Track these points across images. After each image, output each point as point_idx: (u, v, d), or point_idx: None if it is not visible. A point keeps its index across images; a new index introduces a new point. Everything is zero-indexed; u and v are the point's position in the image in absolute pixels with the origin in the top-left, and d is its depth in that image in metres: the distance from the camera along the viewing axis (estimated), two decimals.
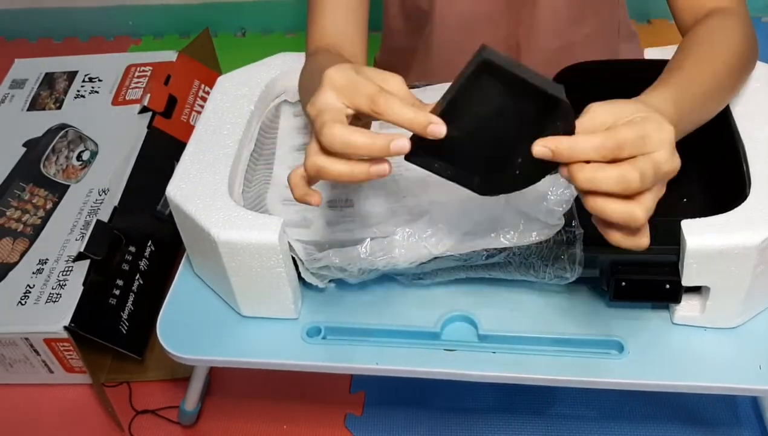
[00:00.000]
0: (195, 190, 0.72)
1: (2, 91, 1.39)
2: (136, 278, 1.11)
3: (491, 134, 0.52)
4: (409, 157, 0.52)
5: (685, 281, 0.64)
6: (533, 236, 0.66)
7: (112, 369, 1.12)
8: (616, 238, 0.52)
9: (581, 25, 0.89)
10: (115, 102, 1.33)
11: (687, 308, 0.67)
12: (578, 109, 0.52)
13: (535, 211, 0.66)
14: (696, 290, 0.66)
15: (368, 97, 0.51)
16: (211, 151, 0.76)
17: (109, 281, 1.07)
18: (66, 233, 1.13)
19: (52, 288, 1.04)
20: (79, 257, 1.06)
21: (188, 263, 0.80)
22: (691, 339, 0.68)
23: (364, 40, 0.82)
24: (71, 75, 1.40)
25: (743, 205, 0.64)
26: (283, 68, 0.85)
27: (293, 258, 0.70)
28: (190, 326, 0.75)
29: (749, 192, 0.65)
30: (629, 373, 0.66)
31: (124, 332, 1.06)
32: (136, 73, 1.38)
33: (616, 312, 0.70)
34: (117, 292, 1.08)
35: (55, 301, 1.03)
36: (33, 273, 1.07)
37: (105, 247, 1.07)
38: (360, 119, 0.54)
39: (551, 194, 0.66)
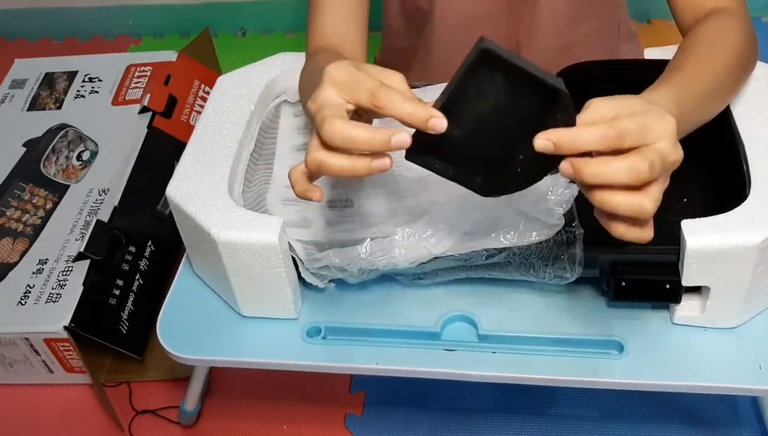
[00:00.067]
0: (195, 190, 0.72)
1: (2, 91, 1.39)
2: (136, 278, 1.11)
3: (492, 132, 0.52)
4: (410, 157, 0.52)
5: (685, 281, 0.64)
6: (533, 236, 0.66)
7: (112, 369, 1.12)
8: (620, 230, 0.51)
9: (581, 25, 0.89)
10: (115, 102, 1.33)
11: (687, 308, 0.67)
12: (578, 110, 0.52)
13: (535, 211, 0.66)
14: (696, 290, 0.66)
15: (369, 92, 0.51)
16: (211, 151, 0.76)
17: (109, 281, 1.07)
18: (66, 233, 1.12)
19: (52, 288, 1.04)
20: (79, 257, 1.06)
21: (188, 263, 0.80)
22: (691, 339, 0.68)
23: (364, 40, 0.82)
24: (71, 75, 1.40)
25: (743, 205, 0.64)
26: (283, 68, 0.85)
27: (293, 258, 0.70)
28: (190, 326, 0.75)
29: (749, 192, 0.65)
30: (629, 373, 0.66)
31: (124, 332, 1.06)
32: (136, 73, 1.38)
33: (616, 312, 0.70)
34: (117, 292, 1.08)
35: (55, 301, 1.03)
36: (33, 273, 1.07)
37: (105, 247, 1.07)
38: (361, 117, 0.55)
39: (551, 194, 0.66)
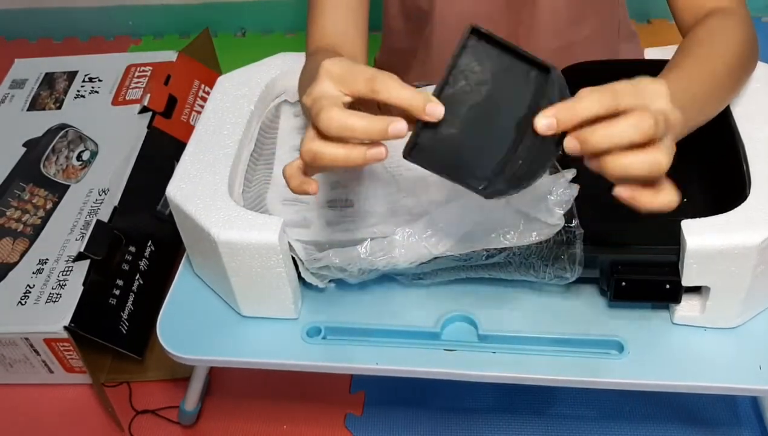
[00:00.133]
0: (195, 190, 0.72)
1: (2, 91, 1.39)
2: (136, 278, 1.11)
3: (489, 126, 0.52)
4: (409, 157, 0.52)
5: (685, 281, 0.64)
6: (533, 236, 0.65)
7: (112, 369, 1.12)
8: (645, 199, 0.50)
9: (581, 25, 0.89)
10: (115, 102, 1.33)
11: (687, 308, 0.67)
12: None
13: (535, 211, 0.66)
14: (696, 290, 0.66)
15: (366, 80, 0.51)
16: (211, 151, 0.76)
17: (109, 281, 1.08)
18: (66, 233, 1.13)
19: (52, 288, 1.04)
20: (79, 257, 1.06)
21: (188, 263, 0.80)
22: (691, 339, 0.68)
23: (364, 41, 0.82)
24: (71, 75, 1.40)
25: (743, 205, 0.64)
26: (283, 68, 0.85)
27: (293, 258, 0.70)
28: (190, 326, 0.75)
29: (749, 192, 0.65)
30: (629, 373, 0.66)
31: (124, 332, 1.06)
32: (136, 73, 1.38)
33: (616, 312, 0.70)
34: (117, 292, 1.08)
35: (55, 301, 1.03)
36: (33, 273, 1.07)
37: (105, 247, 1.07)
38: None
39: (551, 194, 0.66)
